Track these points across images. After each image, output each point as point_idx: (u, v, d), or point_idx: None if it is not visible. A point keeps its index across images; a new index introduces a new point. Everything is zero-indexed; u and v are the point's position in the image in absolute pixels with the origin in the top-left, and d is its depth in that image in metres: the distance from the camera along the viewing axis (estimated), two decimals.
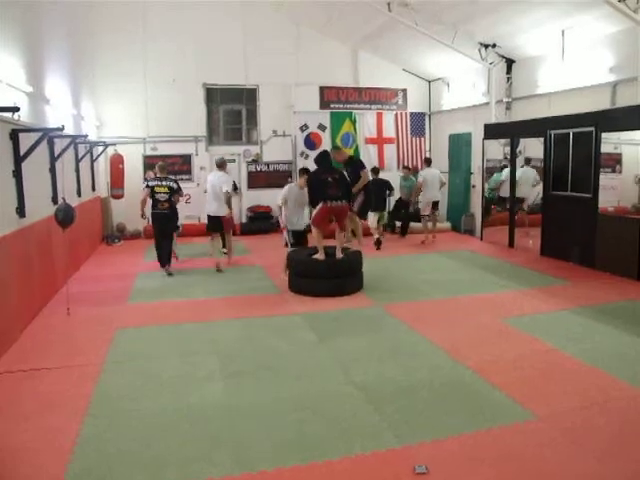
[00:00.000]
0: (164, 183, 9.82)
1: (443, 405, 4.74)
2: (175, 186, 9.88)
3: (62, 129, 7.66)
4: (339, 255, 8.53)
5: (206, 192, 10.32)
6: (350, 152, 15.54)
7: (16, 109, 6.34)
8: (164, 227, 9.88)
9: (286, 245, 9.30)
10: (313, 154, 15.21)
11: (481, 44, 12.45)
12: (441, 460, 3.86)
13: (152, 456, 3.99)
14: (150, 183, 9.91)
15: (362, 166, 9.40)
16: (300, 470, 3.81)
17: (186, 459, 3.95)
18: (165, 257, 9.90)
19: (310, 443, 4.14)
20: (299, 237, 9.34)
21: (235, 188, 10.47)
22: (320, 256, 8.44)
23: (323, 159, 9.01)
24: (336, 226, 8.77)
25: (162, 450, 4.06)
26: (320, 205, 8.45)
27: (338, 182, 8.53)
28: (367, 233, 11.75)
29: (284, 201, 9.10)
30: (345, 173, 9.38)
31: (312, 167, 15.01)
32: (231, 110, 15.48)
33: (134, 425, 4.44)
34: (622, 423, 4.39)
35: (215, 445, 4.12)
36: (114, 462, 3.92)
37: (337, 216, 8.67)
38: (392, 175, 15.80)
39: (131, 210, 12.98)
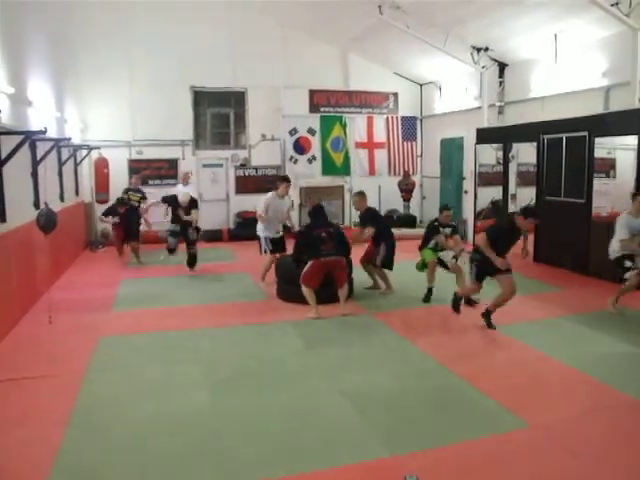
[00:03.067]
0: (137, 194, 11.81)
1: (434, 414, 4.69)
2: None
3: (45, 132, 7.46)
4: (345, 312, 7.66)
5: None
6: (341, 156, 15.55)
7: None
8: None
9: (265, 252, 9.21)
10: (302, 158, 15.19)
11: (473, 47, 12.38)
12: (432, 470, 3.79)
13: (134, 468, 3.89)
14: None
15: (372, 222, 8.77)
16: None
17: (169, 470, 3.86)
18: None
19: (297, 453, 4.05)
20: (277, 244, 9.19)
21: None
22: (313, 314, 7.49)
23: (318, 213, 8.17)
24: (336, 281, 7.80)
25: (144, 461, 3.97)
26: (311, 262, 7.65)
27: (333, 237, 7.76)
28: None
29: (265, 209, 8.95)
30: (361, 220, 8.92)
31: (301, 171, 15.30)
32: (219, 114, 15.29)
33: (116, 435, 4.34)
34: (614, 430, 4.37)
35: (199, 456, 4.02)
36: (95, 474, 3.82)
37: (334, 271, 7.70)
38: (383, 180, 15.77)
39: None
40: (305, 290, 7.65)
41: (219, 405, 4.87)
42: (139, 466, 3.90)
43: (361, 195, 8.96)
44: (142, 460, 3.97)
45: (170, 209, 10.56)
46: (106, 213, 11.39)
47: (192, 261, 10.41)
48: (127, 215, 11.23)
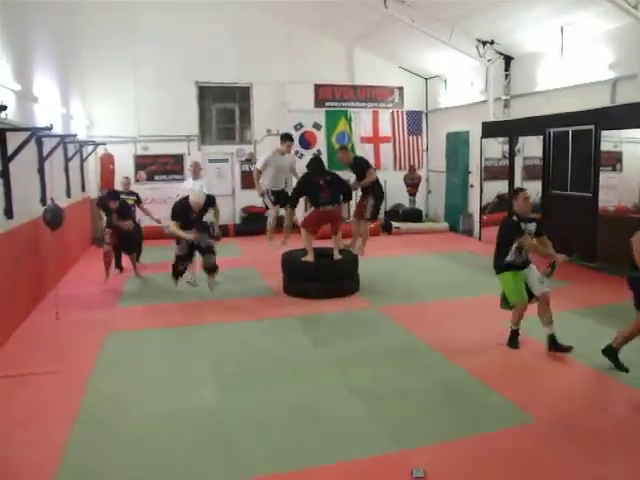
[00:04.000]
0: (130, 197, 10.45)
1: (441, 408, 4.69)
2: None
3: (51, 128, 7.49)
4: (337, 256, 8.38)
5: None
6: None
7: (3, 107, 6.20)
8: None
9: (267, 208, 9.57)
10: (308, 153, 15.11)
11: (479, 41, 12.31)
12: (439, 464, 3.80)
13: (141, 464, 3.90)
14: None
15: (368, 165, 9.15)
16: (295, 476, 3.74)
17: (176, 467, 3.86)
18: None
19: (305, 448, 4.06)
20: (278, 195, 9.38)
21: None
22: (310, 258, 8.28)
23: (316, 163, 8.85)
24: (331, 228, 8.55)
25: (152, 458, 3.98)
26: (311, 209, 8.35)
27: (330, 185, 8.31)
28: None
29: (263, 166, 9.19)
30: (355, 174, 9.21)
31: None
32: (224, 109, 15.29)
33: (123, 432, 4.35)
34: (622, 425, 4.34)
35: (206, 452, 4.03)
36: (102, 472, 3.83)
37: (330, 221, 8.47)
38: (388, 174, 15.72)
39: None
40: (304, 234, 8.34)
41: (226, 401, 4.88)
42: (146, 464, 3.90)
43: (343, 149, 9.36)
44: (149, 458, 3.98)
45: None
46: (99, 204, 9.67)
47: (211, 270, 8.59)
48: (120, 213, 9.18)
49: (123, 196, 9.89)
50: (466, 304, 7.79)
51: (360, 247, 9.18)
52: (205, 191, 9.03)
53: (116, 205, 9.09)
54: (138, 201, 10.54)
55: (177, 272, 8.55)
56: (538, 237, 5.97)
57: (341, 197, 8.56)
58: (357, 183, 9.07)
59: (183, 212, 8.07)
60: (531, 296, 5.92)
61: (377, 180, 9.06)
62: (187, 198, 8.11)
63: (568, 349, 5.71)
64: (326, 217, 8.38)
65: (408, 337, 6.46)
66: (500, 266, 5.96)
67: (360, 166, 9.05)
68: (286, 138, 9.54)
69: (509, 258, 5.88)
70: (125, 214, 9.29)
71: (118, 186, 11.43)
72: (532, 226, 5.92)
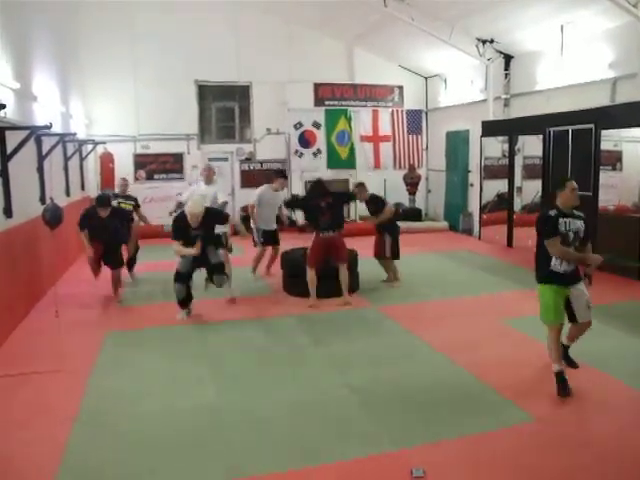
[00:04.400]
0: (128, 201, 9.59)
1: (440, 408, 4.68)
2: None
3: (50, 127, 7.47)
4: (347, 299, 7.85)
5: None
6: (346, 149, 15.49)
7: (2, 106, 6.17)
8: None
9: (255, 245, 9.40)
10: (307, 152, 15.13)
11: (479, 40, 12.30)
12: (439, 463, 3.80)
13: (141, 464, 3.89)
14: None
15: (384, 204, 8.90)
16: (294, 474, 3.73)
17: (176, 467, 3.86)
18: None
19: (305, 447, 4.06)
20: (269, 236, 9.30)
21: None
22: (312, 300, 7.74)
23: (316, 187, 8.28)
24: (335, 258, 7.93)
25: (152, 458, 3.98)
26: (314, 237, 7.87)
27: (332, 208, 7.88)
28: None
29: (258, 201, 9.09)
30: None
31: (306, 164, 15.25)
32: (223, 108, 15.28)
33: (123, 432, 4.35)
34: (622, 425, 4.33)
35: (207, 450, 4.04)
36: (102, 471, 3.83)
37: (332, 249, 7.85)
38: (388, 173, 15.71)
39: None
40: (309, 275, 7.82)
41: (226, 400, 4.87)
42: (146, 463, 3.90)
43: (361, 186, 9.09)
44: (149, 457, 3.98)
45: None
46: (82, 224, 7.95)
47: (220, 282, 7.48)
48: (110, 221, 7.90)
49: (120, 200, 9.20)
50: (466, 303, 7.77)
51: (393, 280, 8.86)
52: (220, 200, 8.75)
53: (106, 213, 7.77)
54: (137, 206, 9.56)
55: (181, 297, 7.23)
56: (583, 244, 4.94)
57: (342, 223, 8.13)
58: (372, 219, 8.92)
59: (181, 229, 6.97)
60: (571, 317, 5.02)
61: (393, 220, 8.90)
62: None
63: (574, 366, 5.27)
64: (328, 245, 7.83)
65: (408, 336, 6.46)
66: (542, 275, 4.96)
67: (375, 204, 8.86)
68: (279, 175, 9.30)
69: (553, 265, 4.83)
70: (111, 226, 7.92)
71: (115, 187, 11.16)
72: (578, 225, 4.86)
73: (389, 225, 8.73)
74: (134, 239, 9.22)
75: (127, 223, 8.73)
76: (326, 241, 7.80)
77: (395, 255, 8.74)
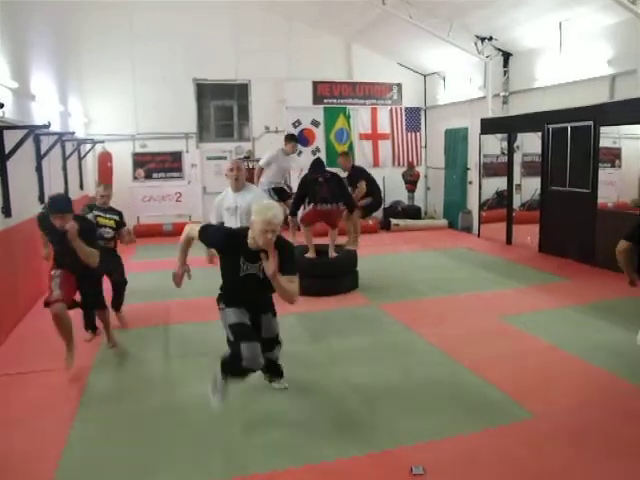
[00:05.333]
0: (108, 215, 6.66)
1: (440, 405, 4.68)
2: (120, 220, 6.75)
3: (48, 126, 7.48)
4: (332, 254, 8.39)
5: None
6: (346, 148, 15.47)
7: (0, 105, 6.17)
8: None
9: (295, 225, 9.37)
10: (306, 150, 15.09)
11: (477, 37, 12.27)
12: (439, 461, 3.80)
13: (141, 460, 3.90)
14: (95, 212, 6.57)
15: (362, 178, 9.11)
16: (294, 473, 3.72)
17: (176, 463, 3.87)
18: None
19: (304, 445, 4.05)
20: (281, 191, 9.38)
21: None
22: (311, 254, 8.33)
23: (315, 163, 8.80)
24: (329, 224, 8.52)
25: (151, 454, 3.98)
26: (310, 206, 8.27)
27: (329, 182, 8.23)
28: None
29: (267, 163, 9.19)
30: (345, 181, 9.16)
31: (305, 163, 15.17)
32: (222, 106, 15.25)
33: (123, 428, 4.35)
34: (622, 422, 4.32)
35: (206, 448, 4.04)
36: (102, 468, 3.83)
37: (327, 219, 8.39)
38: (387, 171, 15.69)
39: (120, 209, 12.85)
40: (304, 230, 8.39)
41: (227, 397, 4.87)
42: (145, 461, 3.90)
43: (345, 154, 9.30)
44: (149, 453, 3.98)
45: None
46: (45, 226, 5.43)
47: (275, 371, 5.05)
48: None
49: (96, 213, 6.53)
50: (465, 301, 7.78)
51: (352, 241, 9.19)
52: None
53: (64, 223, 5.03)
54: (121, 223, 6.74)
55: (234, 368, 4.28)
56: None
57: (342, 197, 8.39)
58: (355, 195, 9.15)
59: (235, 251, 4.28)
60: None
61: (378, 190, 9.07)
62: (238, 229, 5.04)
63: None
64: (324, 215, 8.31)
65: (407, 334, 6.46)
66: None
67: (355, 177, 9.12)
68: (291, 139, 9.56)
69: None
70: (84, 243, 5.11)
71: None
72: None
73: (374, 192, 9.04)
74: (119, 268, 6.88)
75: (96, 242, 5.58)
76: (323, 212, 8.20)
77: (365, 211, 9.28)
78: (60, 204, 5.10)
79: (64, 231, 4.93)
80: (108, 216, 6.65)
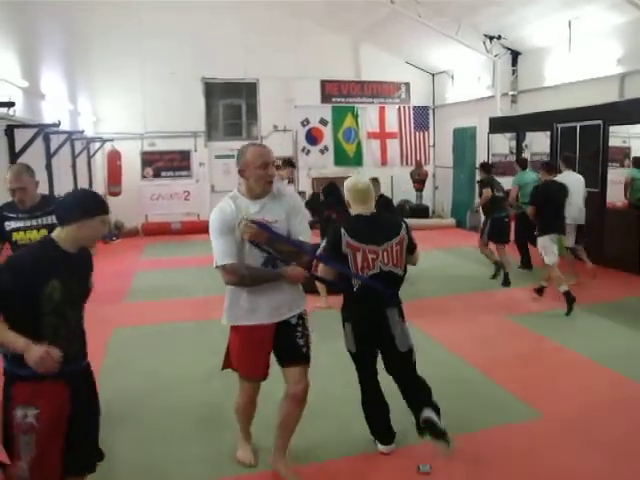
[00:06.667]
0: (36, 222, 4.25)
1: (447, 404, 4.59)
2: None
3: (58, 125, 7.53)
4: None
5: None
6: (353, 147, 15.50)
7: (11, 104, 6.22)
8: None
9: None
10: (314, 149, 15.12)
11: (486, 36, 12.24)
12: (445, 459, 3.78)
13: (152, 460, 3.92)
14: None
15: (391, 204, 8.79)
16: (301, 470, 3.73)
17: (186, 462, 3.88)
18: None
19: (311, 443, 4.07)
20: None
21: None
22: (322, 304, 7.42)
23: (331, 191, 7.79)
24: None
25: (162, 454, 3.99)
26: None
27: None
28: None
29: None
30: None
31: (313, 162, 15.25)
32: (230, 105, 15.30)
33: (133, 429, 4.36)
34: (630, 421, 4.31)
35: (215, 446, 4.06)
36: (113, 469, 3.78)
37: None
38: (395, 170, 15.68)
39: (129, 207, 12.98)
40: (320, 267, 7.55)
41: (233, 396, 4.87)
42: (157, 459, 3.92)
43: (375, 181, 8.95)
44: (160, 453, 4.00)
45: None
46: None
47: None
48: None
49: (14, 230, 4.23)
50: (472, 300, 7.76)
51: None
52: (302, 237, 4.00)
53: None
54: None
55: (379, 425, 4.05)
56: None
57: None
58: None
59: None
60: None
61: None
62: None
63: None
64: None
65: (414, 332, 6.40)
66: None
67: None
68: (288, 164, 9.19)
69: None
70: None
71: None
72: None
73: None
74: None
75: None
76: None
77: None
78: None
79: None
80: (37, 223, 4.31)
